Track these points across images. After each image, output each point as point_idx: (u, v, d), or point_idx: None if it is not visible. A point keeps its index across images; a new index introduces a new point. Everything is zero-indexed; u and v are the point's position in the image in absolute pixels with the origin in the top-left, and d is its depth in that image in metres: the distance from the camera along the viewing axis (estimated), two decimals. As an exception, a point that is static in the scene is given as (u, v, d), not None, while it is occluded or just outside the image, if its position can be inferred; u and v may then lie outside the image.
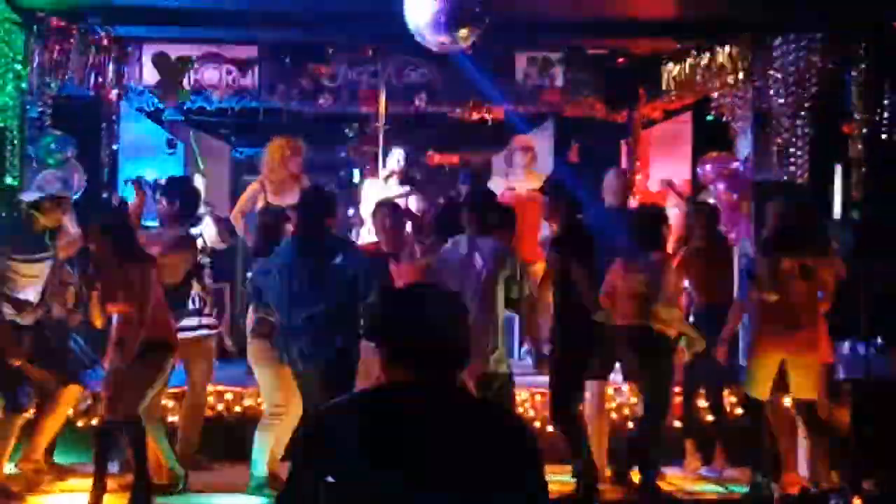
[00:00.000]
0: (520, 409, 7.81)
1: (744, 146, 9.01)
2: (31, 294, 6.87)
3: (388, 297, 2.71)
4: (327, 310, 5.92)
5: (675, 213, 9.40)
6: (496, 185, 9.09)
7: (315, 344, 5.96)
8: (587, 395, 7.30)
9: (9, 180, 8.25)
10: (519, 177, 9.13)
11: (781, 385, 6.88)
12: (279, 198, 8.16)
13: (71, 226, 7.40)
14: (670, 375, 6.91)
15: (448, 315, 2.54)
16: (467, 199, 6.76)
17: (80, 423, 7.69)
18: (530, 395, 7.97)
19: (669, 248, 7.59)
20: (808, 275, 6.68)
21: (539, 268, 8.71)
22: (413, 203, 9.13)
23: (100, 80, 9.40)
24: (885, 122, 8.31)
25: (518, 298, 6.36)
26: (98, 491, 6.39)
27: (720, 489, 7.31)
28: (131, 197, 8.23)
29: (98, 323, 6.56)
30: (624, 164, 10.74)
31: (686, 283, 7.71)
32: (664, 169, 10.11)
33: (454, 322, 2.54)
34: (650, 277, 6.75)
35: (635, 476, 6.98)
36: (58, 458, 7.39)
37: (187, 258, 7.12)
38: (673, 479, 7.38)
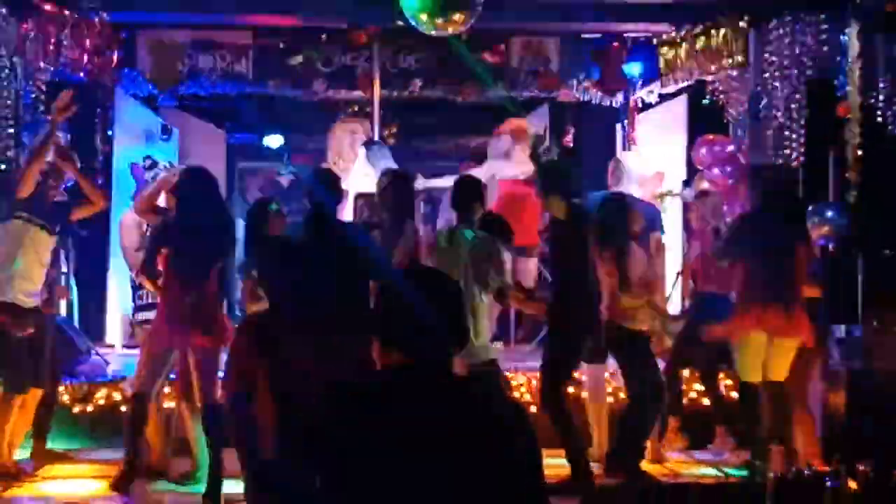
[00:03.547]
0: (516, 394, 7.83)
1: (739, 129, 9.01)
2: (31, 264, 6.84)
3: (385, 280, 2.68)
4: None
5: (671, 198, 9.46)
6: (494, 168, 9.11)
7: None
8: (585, 379, 7.34)
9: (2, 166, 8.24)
10: (518, 162, 9.12)
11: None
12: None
13: None
14: (649, 370, 6.84)
15: (444, 296, 2.54)
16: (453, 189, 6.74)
17: (76, 410, 7.69)
18: (527, 381, 7.99)
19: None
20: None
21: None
22: None
23: (94, 65, 9.38)
24: (880, 105, 8.31)
25: (500, 288, 6.34)
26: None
27: (717, 473, 7.32)
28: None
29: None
30: (619, 148, 10.75)
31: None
32: (660, 153, 10.11)
33: (450, 303, 2.54)
34: (617, 266, 6.74)
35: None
36: (54, 444, 7.40)
37: None
38: (670, 462, 7.40)
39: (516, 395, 7.81)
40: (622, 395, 7.79)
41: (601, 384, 7.33)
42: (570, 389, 7.43)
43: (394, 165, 8.93)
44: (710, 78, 9.36)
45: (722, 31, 9.09)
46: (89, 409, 7.70)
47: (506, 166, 9.15)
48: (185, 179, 6.64)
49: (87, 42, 9.25)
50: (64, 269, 8.69)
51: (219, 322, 6.38)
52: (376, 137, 10.27)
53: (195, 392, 6.41)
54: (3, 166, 8.13)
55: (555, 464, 6.53)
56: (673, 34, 9.84)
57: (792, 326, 6.72)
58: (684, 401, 7.82)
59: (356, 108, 10.93)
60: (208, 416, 6.30)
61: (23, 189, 6.71)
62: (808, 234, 7.19)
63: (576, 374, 7.31)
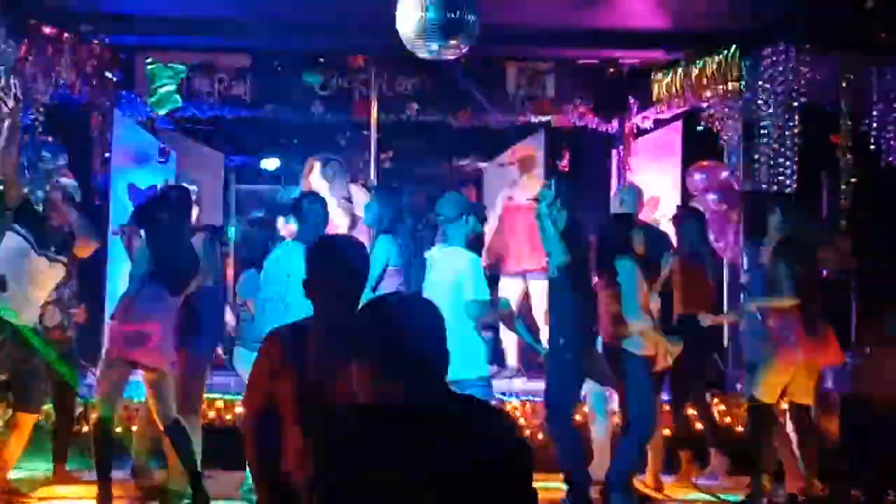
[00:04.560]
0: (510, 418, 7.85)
1: (733, 156, 9.05)
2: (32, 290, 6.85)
3: (372, 310, 2.57)
4: None
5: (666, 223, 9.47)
6: (503, 199, 9.26)
7: None
8: (587, 402, 7.37)
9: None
10: (524, 188, 9.19)
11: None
12: None
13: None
14: (646, 393, 6.84)
15: (432, 323, 2.53)
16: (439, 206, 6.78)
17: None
18: (521, 404, 8.01)
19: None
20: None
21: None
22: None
23: (92, 88, 9.42)
24: (872, 132, 8.37)
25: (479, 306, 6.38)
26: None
27: (711, 498, 7.34)
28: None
29: None
30: (614, 173, 10.79)
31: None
32: (654, 179, 10.16)
33: (438, 329, 2.53)
34: (619, 289, 6.76)
35: (639, 485, 7.03)
36: (47, 465, 7.40)
37: None
38: (666, 487, 7.40)
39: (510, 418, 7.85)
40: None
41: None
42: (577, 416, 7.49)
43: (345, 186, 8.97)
44: (704, 104, 9.41)
45: (716, 58, 9.16)
46: (84, 429, 7.71)
47: (514, 194, 9.26)
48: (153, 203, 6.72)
49: (86, 64, 9.29)
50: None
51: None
52: (372, 161, 10.33)
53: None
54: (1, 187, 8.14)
55: (553, 487, 6.55)
56: (668, 61, 9.91)
57: (823, 347, 6.81)
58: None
59: (347, 133, 11.00)
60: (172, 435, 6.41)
61: (8, 195, 6.77)
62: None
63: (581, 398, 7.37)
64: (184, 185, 7.43)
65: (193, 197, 7.09)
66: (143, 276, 6.46)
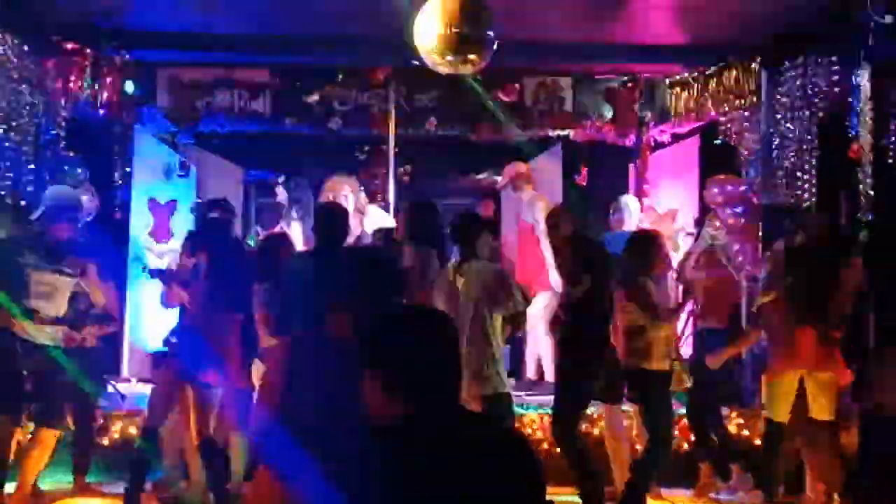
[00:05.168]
0: (528, 431, 7.85)
1: (751, 170, 9.05)
2: (45, 306, 6.86)
3: (389, 323, 2.55)
4: None
5: (684, 237, 9.48)
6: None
7: None
8: (604, 418, 7.35)
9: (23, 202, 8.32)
10: (525, 204, 9.23)
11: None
12: None
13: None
14: (665, 408, 6.84)
15: (448, 337, 2.52)
16: (453, 223, 6.77)
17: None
18: (538, 417, 8.00)
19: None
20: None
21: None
22: None
23: (113, 103, 9.49)
24: (892, 146, 8.33)
25: (514, 318, 6.41)
26: None
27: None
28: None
29: None
30: (632, 187, 10.80)
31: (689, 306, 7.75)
32: (672, 193, 10.16)
33: (454, 344, 2.52)
34: (641, 303, 6.77)
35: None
36: (68, 478, 7.42)
37: None
38: (683, 500, 7.38)
39: (528, 431, 7.85)
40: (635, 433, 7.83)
41: (618, 423, 7.32)
42: (594, 430, 7.48)
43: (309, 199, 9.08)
44: (722, 118, 9.42)
45: (734, 71, 9.17)
46: (105, 442, 7.75)
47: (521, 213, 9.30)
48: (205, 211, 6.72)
49: (107, 80, 9.38)
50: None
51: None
52: (391, 176, 10.37)
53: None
54: (24, 202, 8.21)
55: (569, 500, 6.54)
56: (686, 75, 9.94)
57: (825, 361, 6.77)
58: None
59: (366, 148, 11.03)
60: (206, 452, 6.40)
61: None
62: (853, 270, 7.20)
63: (589, 412, 7.34)
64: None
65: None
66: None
